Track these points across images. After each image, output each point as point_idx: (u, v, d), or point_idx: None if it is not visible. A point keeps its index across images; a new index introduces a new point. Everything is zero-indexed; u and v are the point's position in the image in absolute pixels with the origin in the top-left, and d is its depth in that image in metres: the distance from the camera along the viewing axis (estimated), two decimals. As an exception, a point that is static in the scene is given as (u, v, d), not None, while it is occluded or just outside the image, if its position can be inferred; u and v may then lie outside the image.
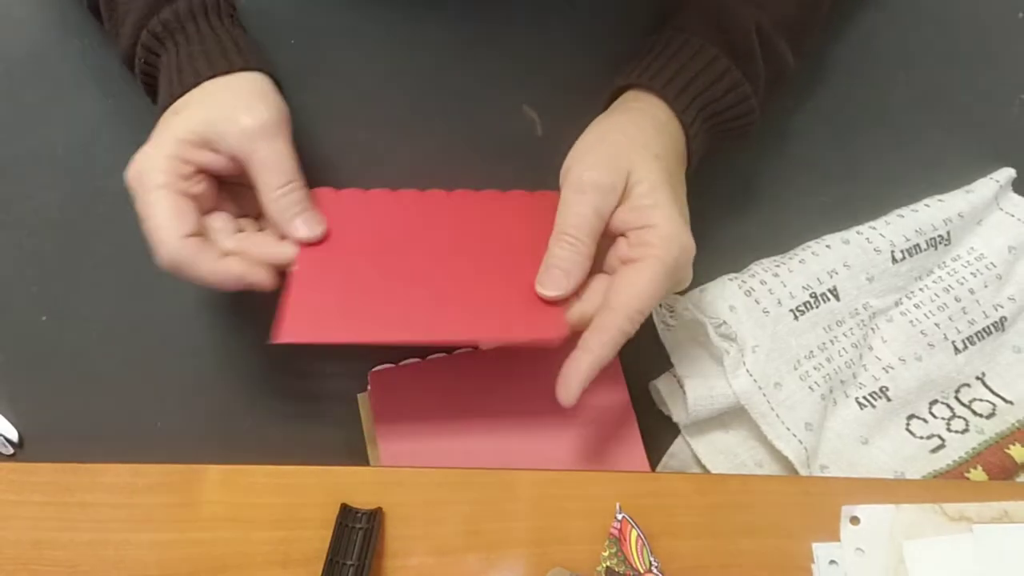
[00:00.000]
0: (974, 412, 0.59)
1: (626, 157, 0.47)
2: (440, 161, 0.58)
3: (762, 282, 0.58)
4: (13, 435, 0.55)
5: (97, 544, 0.48)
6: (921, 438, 0.58)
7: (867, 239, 0.59)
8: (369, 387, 0.56)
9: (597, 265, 0.50)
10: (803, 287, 0.58)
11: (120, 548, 0.48)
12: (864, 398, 0.58)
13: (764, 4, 0.52)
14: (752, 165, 0.61)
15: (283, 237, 0.49)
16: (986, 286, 0.60)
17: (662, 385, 0.58)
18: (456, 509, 0.49)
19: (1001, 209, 0.62)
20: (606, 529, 0.49)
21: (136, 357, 0.57)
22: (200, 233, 0.47)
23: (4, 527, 0.48)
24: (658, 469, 0.57)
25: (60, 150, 0.57)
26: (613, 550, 0.48)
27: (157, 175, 0.46)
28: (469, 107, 0.58)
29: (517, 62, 0.58)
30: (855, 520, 0.50)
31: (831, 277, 0.58)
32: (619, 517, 0.49)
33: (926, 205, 0.61)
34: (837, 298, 0.58)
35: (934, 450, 0.58)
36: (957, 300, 0.59)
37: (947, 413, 0.59)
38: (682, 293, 0.59)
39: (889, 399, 0.58)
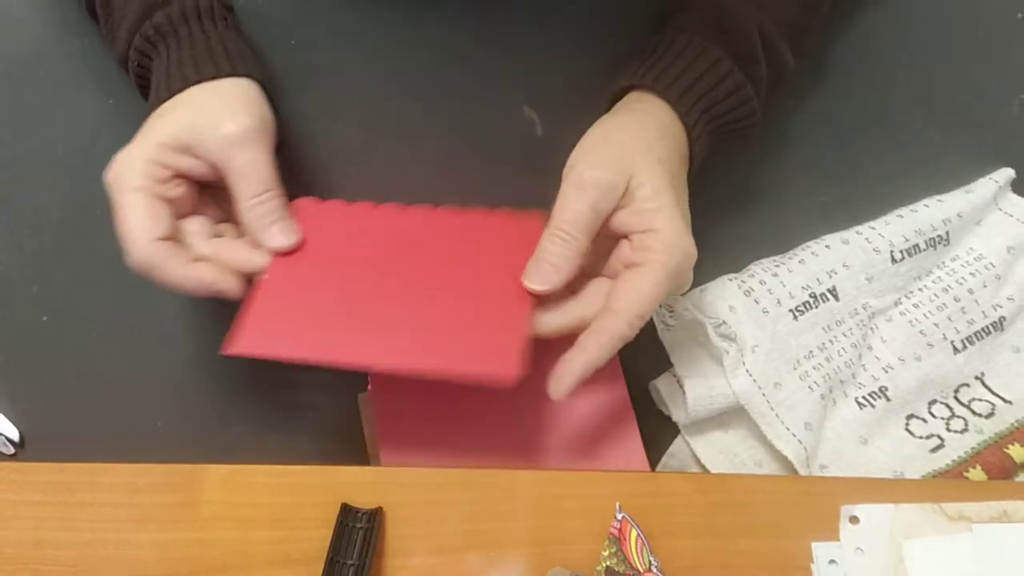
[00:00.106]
0: (973, 412, 0.59)
1: (629, 158, 0.47)
2: (440, 161, 0.58)
3: (762, 282, 0.58)
4: (14, 435, 0.55)
5: (97, 544, 0.48)
6: (920, 438, 0.58)
7: (866, 239, 0.59)
8: (370, 387, 0.56)
9: (599, 268, 0.50)
10: (803, 287, 0.58)
11: (120, 548, 0.48)
12: (863, 398, 0.58)
13: (765, 5, 0.52)
14: (752, 165, 0.61)
15: (258, 245, 0.49)
16: (985, 286, 0.60)
17: (662, 385, 0.58)
18: (456, 509, 0.49)
19: (1000, 209, 0.62)
20: (606, 529, 0.49)
21: (136, 357, 0.57)
22: (173, 237, 0.47)
23: (5, 527, 0.48)
24: (658, 469, 0.58)
25: (60, 150, 0.57)
26: (613, 550, 0.48)
27: (134, 177, 0.46)
28: (469, 107, 0.58)
29: (517, 62, 0.58)
30: (855, 520, 0.50)
31: (830, 277, 0.58)
32: (619, 517, 0.49)
33: (925, 205, 0.61)
34: (836, 298, 0.58)
35: (933, 450, 0.58)
36: (956, 300, 0.59)
37: (946, 413, 0.59)
38: (682, 294, 0.59)
39: (888, 399, 0.58)
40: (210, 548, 0.48)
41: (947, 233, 0.60)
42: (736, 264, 0.60)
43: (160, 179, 0.47)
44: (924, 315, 0.59)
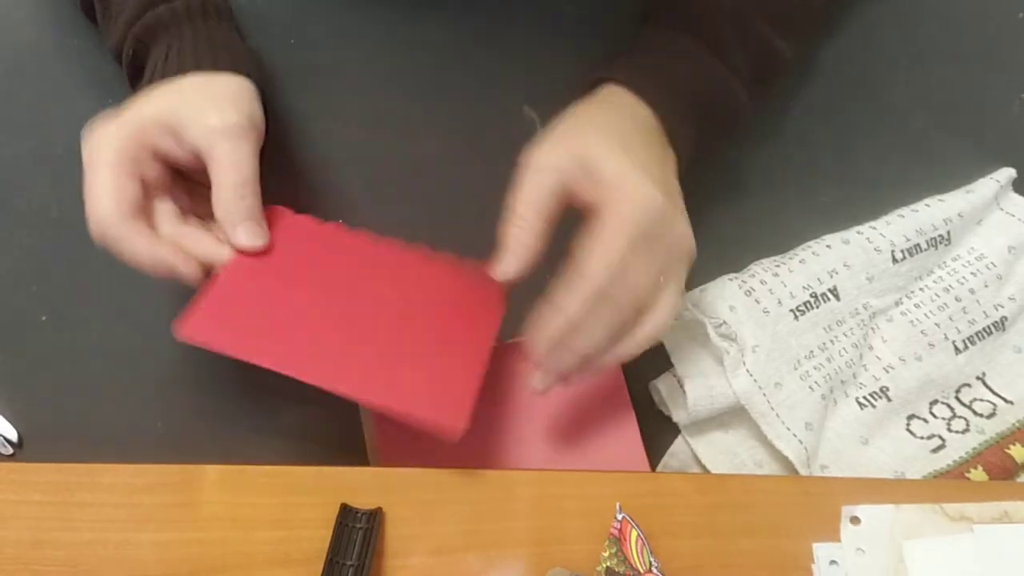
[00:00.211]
0: (974, 412, 0.59)
1: (582, 139, 0.47)
2: (440, 161, 0.58)
3: (762, 282, 0.58)
4: (13, 435, 0.55)
5: (97, 544, 0.48)
6: (921, 438, 0.58)
7: (867, 239, 0.59)
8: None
9: None
10: (803, 287, 0.58)
11: (120, 548, 0.48)
12: (864, 398, 0.58)
13: None
14: (752, 165, 0.61)
15: (224, 241, 0.48)
16: (986, 286, 0.60)
17: (662, 385, 0.58)
18: (456, 509, 0.49)
19: (1001, 209, 0.62)
20: (606, 529, 0.49)
21: (136, 357, 0.57)
22: (140, 215, 0.47)
23: (4, 527, 0.48)
24: (658, 469, 0.57)
25: (60, 150, 0.57)
26: (613, 550, 0.48)
27: (110, 152, 0.46)
28: (469, 107, 0.58)
29: (517, 62, 0.58)
30: (855, 520, 0.50)
31: (831, 277, 0.58)
32: (619, 517, 0.49)
33: (926, 205, 0.61)
34: (837, 298, 0.58)
35: (934, 450, 0.58)
36: (957, 300, 0.59)
37: (947, 413, 0.59)
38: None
39: (889, 399, 0.58)
40: (210, 548, 0.48)
41: (948, 233, 0.60)
42: (736, 264, 0.60)
43: (136, 157, 0.46)
44: (925, 315, 0.59)
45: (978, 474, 0.56)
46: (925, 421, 0.59)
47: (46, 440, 0.56)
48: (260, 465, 0.50)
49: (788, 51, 0.54)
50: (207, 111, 0.46)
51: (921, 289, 0.60)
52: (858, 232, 0.60)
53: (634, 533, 0.49)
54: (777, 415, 0.55)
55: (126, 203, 0.46)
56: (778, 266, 0.59)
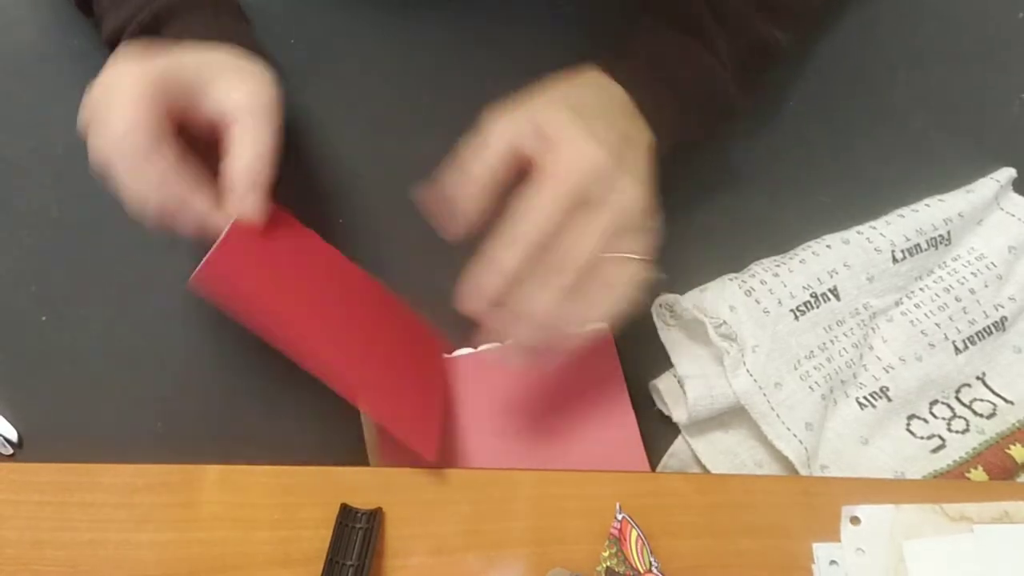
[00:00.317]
0: (975, 412, 0.59)
1: (543, 105, 0.47)
2: (440, 161, 0.58)
3: (762, 282, 0.58)
4: (13, 435, 0.55)
5: (97, 544, 0.48)
6: (921, 438, 0.58)
7: (867, 239, 0.59)
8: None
9: None
10: (803, 287, 0.58)
11: (120, 548, 0.48)
12: (864, 398, 0.58)
13: None
14: (752, 165, 0.61)
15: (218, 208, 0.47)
16: (986, 286, 0.60)
17: (662, 385, 0.58)
18: (456, 509, 0.49)
19: (1001, 209, 0.62)
20: (606, 529, 0.49)
21: (135, 357, 0.57)
22: (160, 145, 0.44)
23: (4, 527, 0.48)
24: (658, 469, 0.57)
25: (60, 150, 0.57)
26: (613, 550, 0.48)
27: (140, 81, 0.43)
28: (469, 107, 0.58)
29: (517, 62, 0.58)
30: (855, 520, 0.50)
31: (831, 277, 0.58)
32: (619, 517, 0.49)
33: (926, 205, 0.61)
34: (837, 298, 0.58)
35: (935, 450, 0.58)
36: (957, 300, 0.59)
37: (948, 413, 0.59)
38: (682, 293, 0.59)
39: (889, 399, 0.58)
40: (209, 548, 0.48)
41: (948, 233, 0.60)
42: (736, 264, 0.60)
43: (160, 96, 0.44)
44: (925, 315, 0.59)
45: (978, 474, 0.56)
46: (925, 421, 0.59)
47: (46, 440, 0.56)
48: (260, 465, 0.50)
49: (782, 40, 0.54)
50: (238, 83, 0.45)
51: (921, 289, 0.60)
52: (858, 232, 0.60)
53: (634, 533, 0.49)
54: (777, 415, 0.55)
55: (150, 127, 0.43)
56: (778, 266, 0.59)
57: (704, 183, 0.61)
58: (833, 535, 0.50)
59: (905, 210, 0.61)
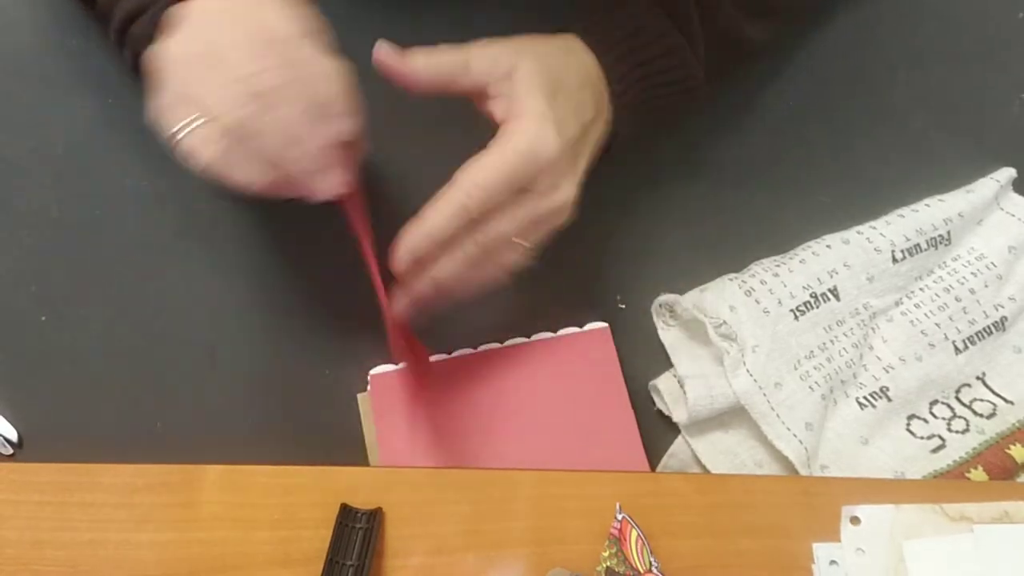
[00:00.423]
0: (975, 412, 0.59)
1: (519, 54, 0.47)
2: (441, 161, 0.58)
3: (762, 282, 0.58)
4: (13, 435, 0.55)
5: (97, 544, 0.48)
6: (921, 438, 0.58)
7: (867, 239, 0.59)
8: (369, 388, 0.56)
9: None
10: (803, 287, 0.58)
11: (120, 548, 0.48)
12: (864, 398, 0.58)
13: None
14: (752, 165, 0.61)
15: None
16: (986, 286, 0.60)
17: (662, 385, 0.58)
18: (456, 509, 0.49)
19: (1001, 209, 0.62)
20: (606, 529, 0.49)
21: (136, 357, 0.57)
22: None
23: (4, 527, 0.48)
24: (658, 469, 0.57)
25: (60, 150, 0.57)
26: (613, 550, 0.48)
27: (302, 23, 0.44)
28: (469, 107, 0.58)
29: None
30: (855, 520, 0.50)
31: (831, 277, 0.58)
32: (619, 517, 0.49)
33: (926, 205, 0.61)
34: (837, 298, 0.58)
35: (935, 450, 0.58)
36: (957, 300, 0.59)
37: (948, 413, 0.59)
38: (682, 293, 0.59)
39: (889, 399, 0.58)
40: (209, 548, 0.48)
41: (948, 233, 0.60)
42: (736, 264, 0.60)
43: None
44: (925, 315, 0.59)
45: (978, 474, 0.56)
46: (925, 421, 0.59)
47: (46, 440, 0.56)
48: (260, 465, 0.50)
49: (758, 34, 0.54)
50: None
51: (921, 289, 0.60)
52: (858, 232, 0.60)
53: (634, 533, 0.49)
54: (777, 415, 0.55)
55: None
56: (778, 266, 0.59)
57: (704, 183, 0.61)
58: (833, 535, 0.50)
59: (905, 210, 0.61)
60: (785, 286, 0.58)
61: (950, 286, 0.60)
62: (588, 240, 0.59)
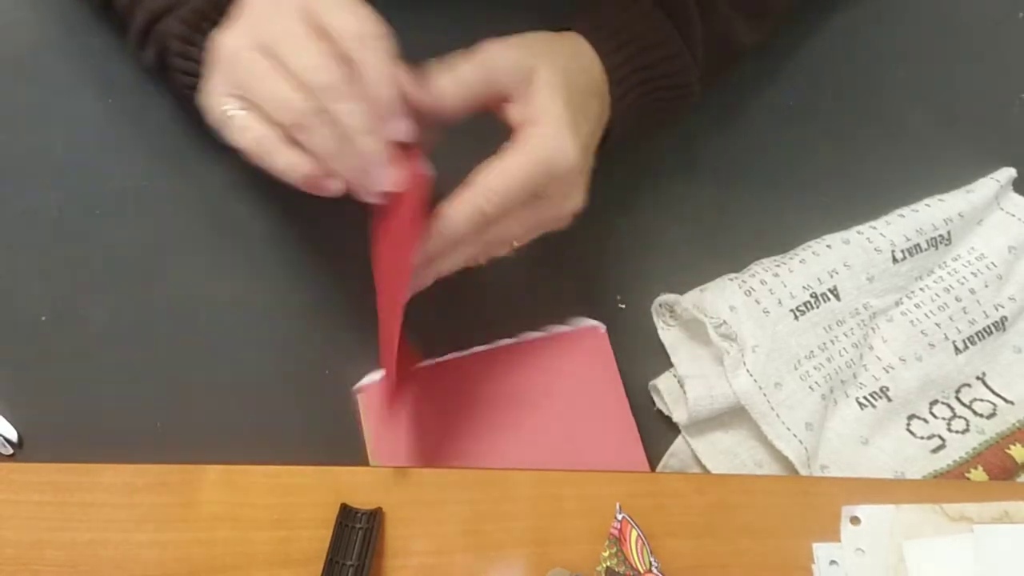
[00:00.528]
0: (975, 412, 0.59)
1: (537, 57, 0.47)
2: (441, 161, 0.58)
3: (762, 282, 0.58)
4: (13, 435, 0.55)
5: (97, 544, 0.48)
6: (922, 438, 0.58)
7: (867, 239, 0.59)
8: (359, 400, 0.56)
9: None
10: (803, 287, 0.58)
11: (120, 548, 0.48)
12: (864, 398, 0.58)
13: None
14: (752, 165, 0.61)
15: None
16: (987, 286, 0.60)
17: (662, 385, 0.58)
18: (456, 509, 0.49)
19: (1002, 209, 0.62)
20: (606, 529, 0.49)
21: (136, 357, 0.57)
22: None
23: (4, 527, 0.48)
24: (658, 469, 0.57)
25: (60, 150, 0.57)
26: (613, 550, 0.48)
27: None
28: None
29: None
30: (855, 520, 0.50)
31: (831, 277, 0.58)
32: (619, 517, 0.49)
33: (926, 205, 0.61)
34: (837, 298, 0.58)
35: (935, 450, 0.58)
36: (958, 300, 0.59)
37: (948, 413, 0.59)
38: (682, 293, 0.59)
39: (889, 399, 0.58)
40: (209, 548, 0.48)
41: (948, 232, 0.60)
42: (736, 264, 0.60)
43: None
44: (925, 315, 0.59)
45: (978, 474, 0.56)
46: (925, 421, 0.59)
47: (46, 440, 0.56)
48: (260, 465, 0.50)
49: (751, 36, 0.54)
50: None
51: (921, 289, 0.60)
52: (858, 232, 0.60)
53: (634, 533, 0.49)
54: (777, 415, 0.55)
55: None
56: (778, 266, 0.59)
57: (704, 182, 0.61)
58: (833, 535, 0.50)
59: (905, 210, 0.61)
60: (785, 286, 0.58)
61: (950, 286, 0.60)
62: (588, 240, 0.59)
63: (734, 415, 0.57)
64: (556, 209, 0.47)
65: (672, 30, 0.51)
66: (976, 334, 0.59)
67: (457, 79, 0.45)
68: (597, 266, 0.59)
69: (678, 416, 0.57)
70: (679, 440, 0.58)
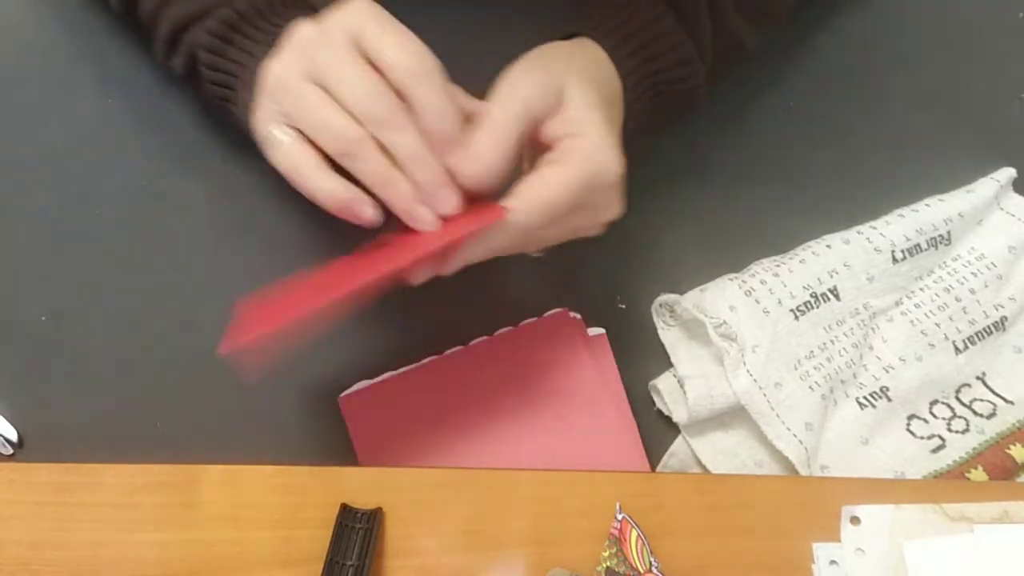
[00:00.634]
0: (975, 412, 0.59)
1: (563, 71, 0.46)
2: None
3: (762, 282, 0.58)
4: (13, 435, 0.55)
5: (97, 544, 0.48)
6: (922, 438, 0.58)
7: (867, 239, 0.59)
8: (344, 411, 0.56)
9: None
10: (803, 287, 0.58)
11: (120, 548, 0.48)
12: (864, 398, 0.58)
13: None
14: (752, 165, 0.61)
15: None
16: (987, 286, 0.60)
17: (662, 385, 0.58)
18: (456, 509, 0.49)
19: (1002, 209, 0.62)
20: (606, 529, 0.49)
21: (136, 357, 0.57)
22: None
23: (4, 527, 0.48)
24: (658, 469, 0.57)
25: (60, 150, 0.57)
26: (613, 550, 0.48)
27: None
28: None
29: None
30: (855, 520, 0.50)
31: (831, 277, 0.58)
32: (619, 517, 0.49)
33: (926, 205, 0.61)
34: (837, 298, 0.58)
35: (935, 450, 0.58)
36: (958, 300, 0.59)
37: (948, 413, 0.59)
38: (682, 293, 0.59)
39: (889, 399, 0.58)
40: (209, 548, 0.48)
41: (948, 233, 0.60)
42: (736, 264, 0.60)
43: None
44: (925, 315, 0.59)
45: (978, 474, 0.56)
46: (925, 421, 0.59)
47: (46, 440, 0.56)
48: (260, 465, 0.50)
49: (752, 45, 0.54)
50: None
51: (921, 289, 0.60)
52: (858, 232, 0.60)
53: (634, 533, 0.49)
54: (777, 415, 0.55)
55: None
56: (778, 266, 0.59)
57: (704, 183, 0.61)
58: (833, 535, 0.50)
59: (905, 210, 0.61)
60: (785, 286, 0.58)
61: (950, 286, 0.60)
62: (588, 240, 0.59)
63: (734, 415, 0.57)
64: (595, 219, 0.47)
65: (684, 35, 0.51)
66: (976, 334, 0.59)
67: (495, 133, 0.43)
68: (597, 266, 0.60)
69: (678, 416, 0.57)
70: (679, 440, 0.58)
